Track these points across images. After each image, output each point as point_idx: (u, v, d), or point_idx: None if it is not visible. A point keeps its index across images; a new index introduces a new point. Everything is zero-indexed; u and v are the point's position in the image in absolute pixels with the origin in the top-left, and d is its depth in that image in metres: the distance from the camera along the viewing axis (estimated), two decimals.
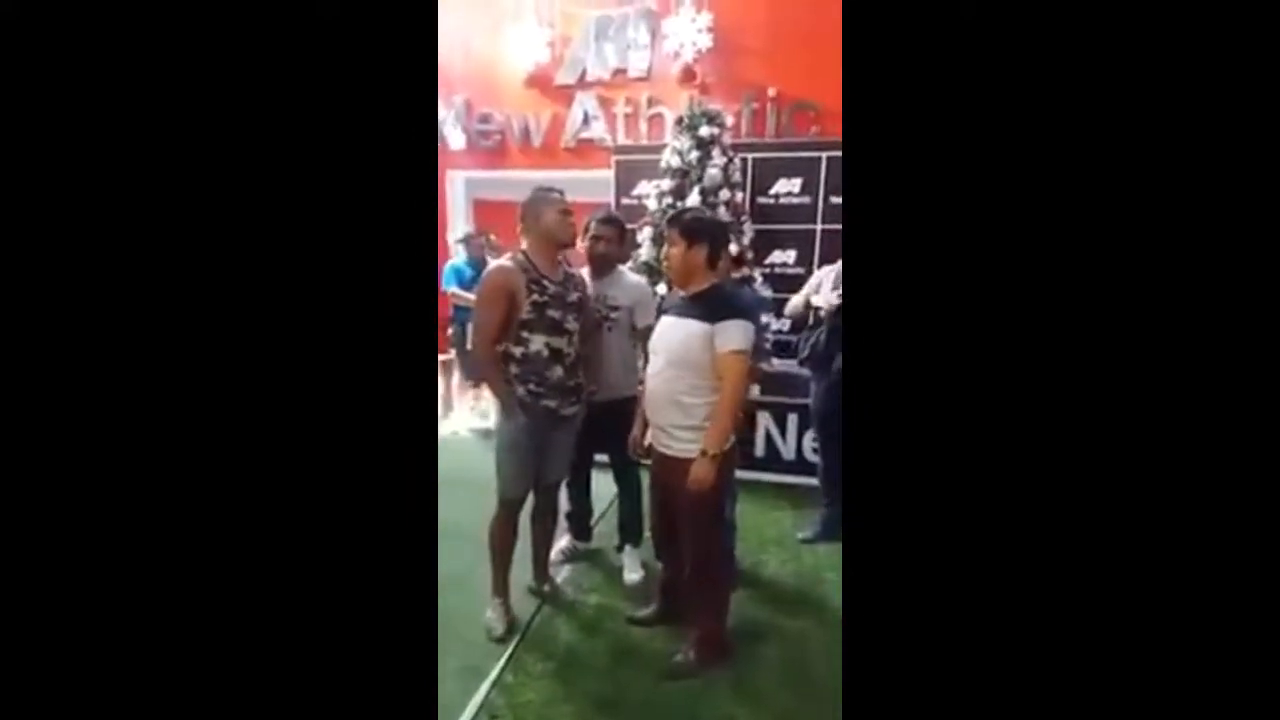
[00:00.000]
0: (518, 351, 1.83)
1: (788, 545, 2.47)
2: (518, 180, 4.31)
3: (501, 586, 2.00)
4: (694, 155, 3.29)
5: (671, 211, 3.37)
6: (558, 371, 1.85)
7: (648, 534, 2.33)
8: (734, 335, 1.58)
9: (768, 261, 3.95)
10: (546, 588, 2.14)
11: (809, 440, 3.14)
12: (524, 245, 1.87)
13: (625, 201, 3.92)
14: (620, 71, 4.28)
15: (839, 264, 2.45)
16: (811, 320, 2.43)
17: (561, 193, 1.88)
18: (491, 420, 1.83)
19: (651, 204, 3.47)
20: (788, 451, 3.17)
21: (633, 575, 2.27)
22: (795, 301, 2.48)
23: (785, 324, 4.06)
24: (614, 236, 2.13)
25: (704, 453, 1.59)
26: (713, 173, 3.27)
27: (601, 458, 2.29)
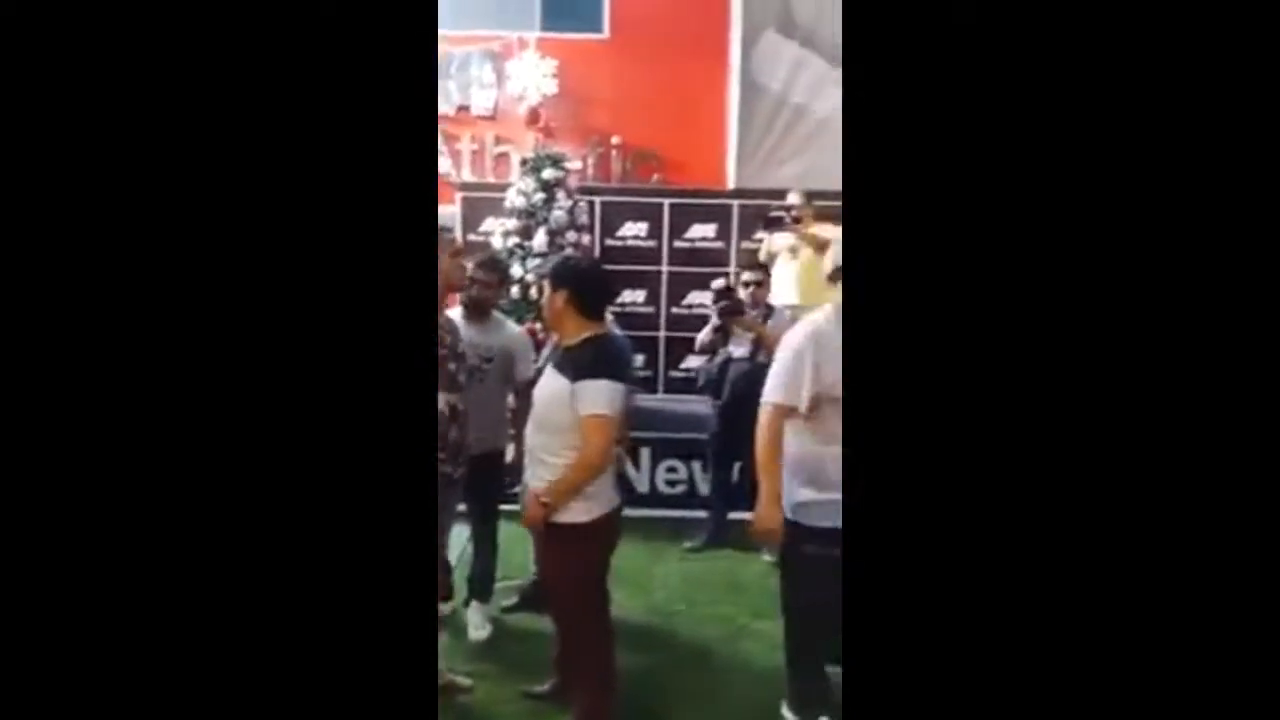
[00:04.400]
0: None
1: (637, 581, 2.48)
2: None
3: None
4: (539, 197, 3.33)
5: (518, 250, 3.37)
6: (454, 431, 1.69)
7: (499, 586, 2.23)
8: (590, 397, 1.46)
9: (619, 301, 4.08)
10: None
11: (662, 472, 3.23)
12: None
13: (471, 238, 3.85)
14: (464, 109, 4.24)
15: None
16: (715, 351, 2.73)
17: (450, 230, 1.77)
18: None
19: (497, 241, 3.43)
20: (641, 485, 3.22)
21: (479, 633, 2.14)
22: (703, 333, 2.80)
23: (639, 360, 4.21)
24: (494, 282, 2.07)
25: (537, 496, 1.51)
26: (558, 215, 3.33)
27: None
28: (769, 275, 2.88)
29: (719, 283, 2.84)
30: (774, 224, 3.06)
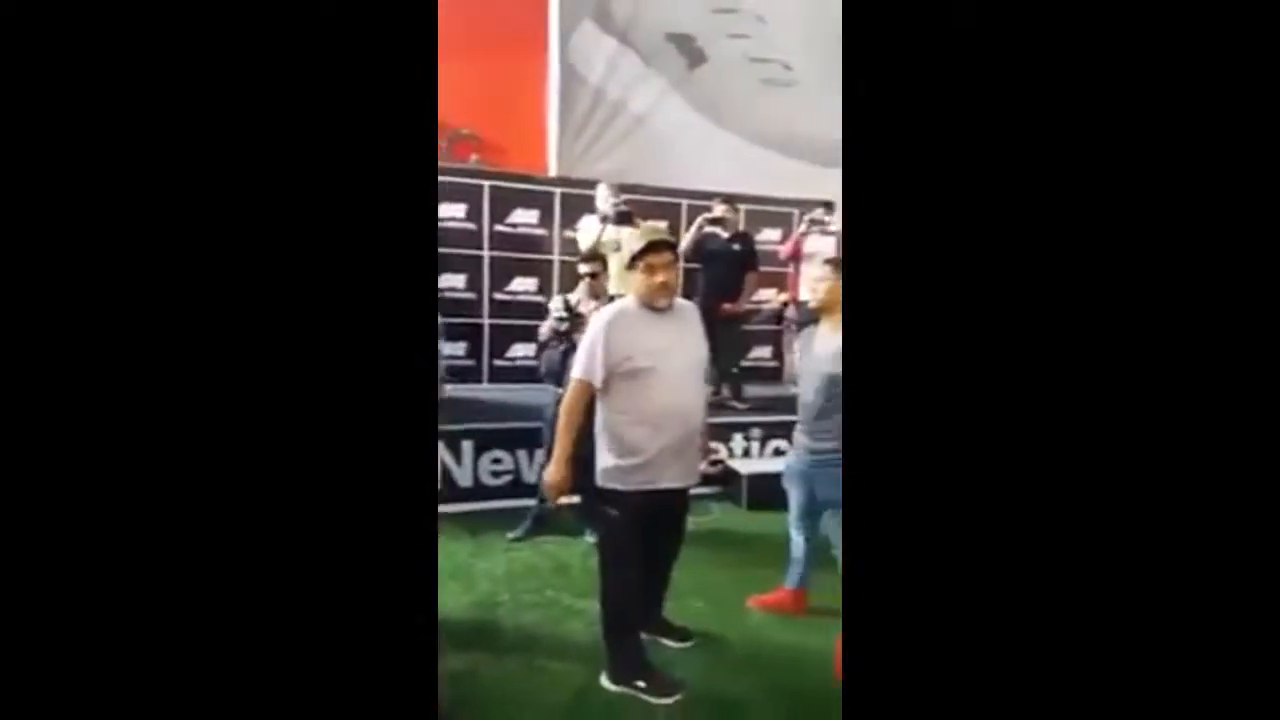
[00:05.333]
0: None
1: (461, 578, 2.43)
2: None
3: None
4: None
5: None
6: None
7: None
8: None
9: (439, 285, 3.85)
10: None
11: (486, 464, 3.17)
12: None
13: None
14: None
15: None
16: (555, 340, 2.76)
17: None
18: None
19: None
20: (464, 478, 3.13)
21: None
22: (545, 325, 2.82)
23: (461, 348, 4.03)
24: None
25: None
26: None
27: None
28: (606, 267, 2.97)
29: (557, 302, 2.88)
30: (623, 219, 3.28)
